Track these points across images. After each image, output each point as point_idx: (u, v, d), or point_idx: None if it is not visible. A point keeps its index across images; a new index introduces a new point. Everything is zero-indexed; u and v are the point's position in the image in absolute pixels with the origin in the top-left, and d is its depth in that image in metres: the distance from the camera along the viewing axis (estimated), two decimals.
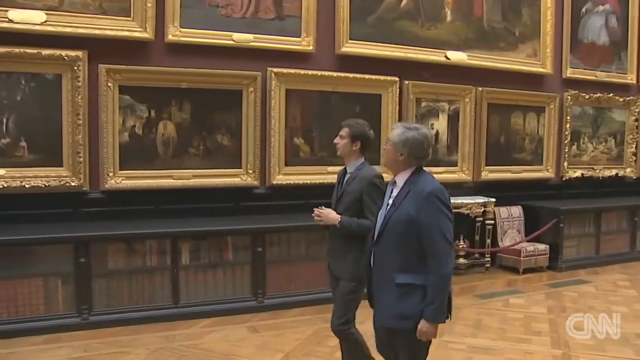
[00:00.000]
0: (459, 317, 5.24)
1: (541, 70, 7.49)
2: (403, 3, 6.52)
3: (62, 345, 4.57)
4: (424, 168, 2.88)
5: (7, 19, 4.94)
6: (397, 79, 6.48)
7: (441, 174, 6.81)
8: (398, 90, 6.51)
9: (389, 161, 2.91)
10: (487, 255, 7.10)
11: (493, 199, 6.98)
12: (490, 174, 7.27)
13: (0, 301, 4.71)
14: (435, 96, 6.83)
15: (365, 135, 3.65)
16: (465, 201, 6.77)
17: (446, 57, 6.78)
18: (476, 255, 7.09)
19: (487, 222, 7.01)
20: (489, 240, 7.06)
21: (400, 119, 6.50)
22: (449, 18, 6.82)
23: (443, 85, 6.82)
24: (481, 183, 7.23)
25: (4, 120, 5.06)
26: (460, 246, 6.91)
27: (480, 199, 6.91)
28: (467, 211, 6.77)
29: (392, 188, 2.93)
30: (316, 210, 3.54)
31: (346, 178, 3.62)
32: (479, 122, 7.13)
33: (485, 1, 7.05)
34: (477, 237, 7.04)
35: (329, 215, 3.49)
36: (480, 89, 7.07)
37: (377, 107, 6.43)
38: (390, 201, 2.89)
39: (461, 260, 6.89)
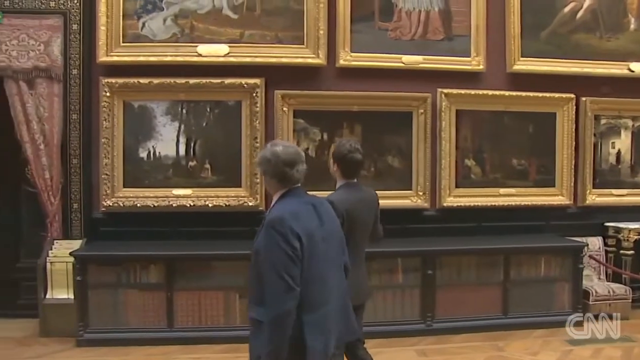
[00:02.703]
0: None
1: None
2: (579, 15, 6.13)
3: (238, 356, 4.79)
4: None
5: (196, 54, 5.43)
6: (573, 95, 6.09)
7: (624, 197, 6.33)
8: (574, 107, 6.11)
9: (266, 186, 2.76)
10: None
11: None
12: None
13: (187, 310, 5.11)
14: (617, 112, 6.30)
15: (340, 156, 3.40)
16: None
17: (629, 69, 6.22)
18: None
19: None
20: None
21: (577, 138, 6.14)
22: (632, 26, 6.26)
23: (626, 100, 6.26)
24: None
25: (192, 145, 5.53)
26: None
27: None
28: None
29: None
30: None
31: None
32: None
33: None
34: None
35: None
36: None
37: (552, 126, 6.08)
38: None
39: None
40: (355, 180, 3.53)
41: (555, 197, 6.14)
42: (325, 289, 2.61)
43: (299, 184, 2.71)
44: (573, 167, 6.17)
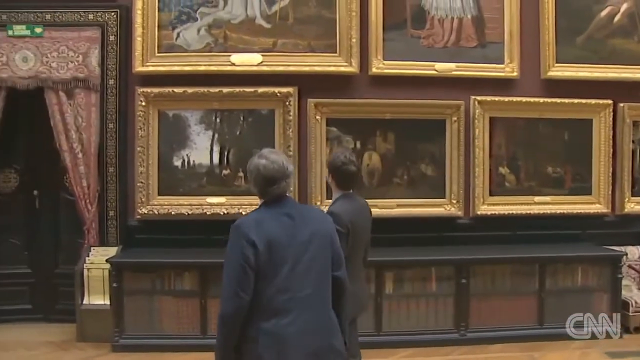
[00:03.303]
0: None
1: None
2: (616, 19, 6.00)
3: None
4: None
5: (229, 63, 5.48)
6: (610, 101, 5.96)
7: None
8: (611, 114, 5.97)
9: None
10: None
11: None
12: None
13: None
14: None
15: (335, 168, 3.38)
16: None
17: None
18: None
19: None
20: None
21: (614, 145, 5.99)
22: None
23: None
24: None
25: (225, 153, 5.59)
26: None
27: None
28: None
29: None
30: None
31: None
32: None
33: None
34: None
35: None
36: None
37: (588, 133, 5.97)
38: None
39: None
40: (351, 191, 3.52)
41: (592, 205, 6.01)
42: (290, 299, 2.51)
43: (285, 194, 2.68)
44: (610, 174, 6.03)
